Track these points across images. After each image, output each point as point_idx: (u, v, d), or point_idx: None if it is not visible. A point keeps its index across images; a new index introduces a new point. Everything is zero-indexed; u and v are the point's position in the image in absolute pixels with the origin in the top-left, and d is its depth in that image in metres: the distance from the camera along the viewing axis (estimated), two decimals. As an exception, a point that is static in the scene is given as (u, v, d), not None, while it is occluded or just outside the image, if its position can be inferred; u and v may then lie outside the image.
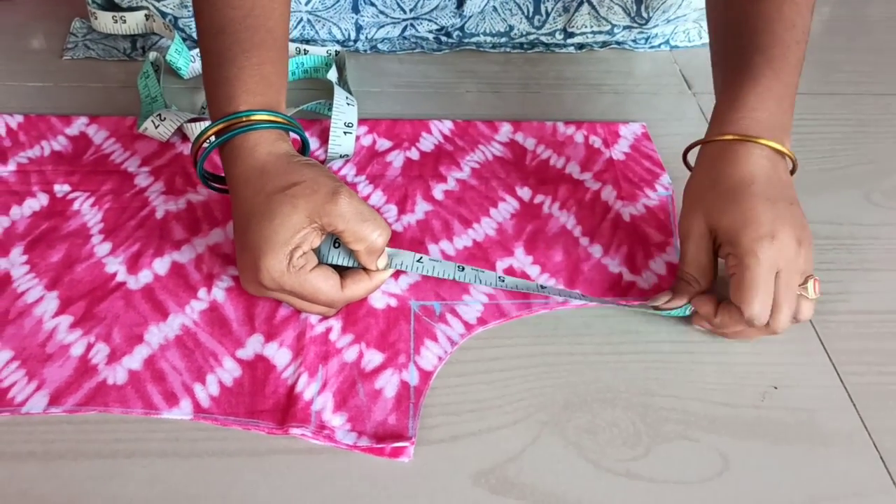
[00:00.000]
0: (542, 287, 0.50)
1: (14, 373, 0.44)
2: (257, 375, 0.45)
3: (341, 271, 0.47)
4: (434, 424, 0.44)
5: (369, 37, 0.71)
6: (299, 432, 0.43)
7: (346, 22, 0.69)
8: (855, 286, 0.54)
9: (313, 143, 0.61)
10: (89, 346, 0.46)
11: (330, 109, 0.61)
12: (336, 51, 0.70)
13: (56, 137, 0.60)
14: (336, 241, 0.47)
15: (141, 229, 0.53)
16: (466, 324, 0.49)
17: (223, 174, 0.49)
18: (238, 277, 0.49)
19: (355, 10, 0.68)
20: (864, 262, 0.56)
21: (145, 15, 0.68)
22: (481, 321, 0.49)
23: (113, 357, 0.46)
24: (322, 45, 0.70)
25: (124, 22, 0.69)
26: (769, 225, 0.44)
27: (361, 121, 0.63)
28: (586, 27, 0.72)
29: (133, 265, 0.51)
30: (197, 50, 0.66)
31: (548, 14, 0.71)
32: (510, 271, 0.53)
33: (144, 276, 0.50)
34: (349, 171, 0.59)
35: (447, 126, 0.64)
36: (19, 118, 0.61)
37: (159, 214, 0.54)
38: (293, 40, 0.70)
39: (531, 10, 0.71)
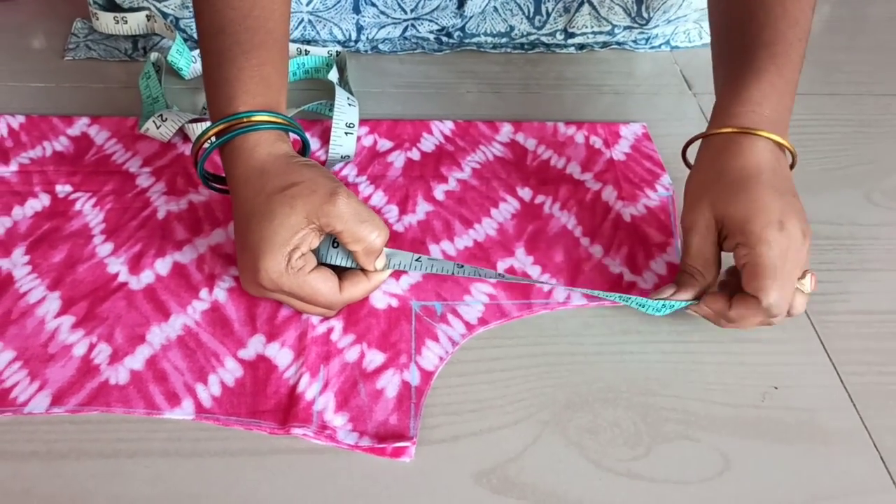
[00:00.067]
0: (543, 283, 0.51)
1: (16, 373, 0.44)
2: (259, 375, 0.45)
3: (339, 273, 0.47)
4: (435, 424, 0.44)
5: (370, 37, 0.71)
6: (301, 432, 0.43)
7: (346, 22, 0.69)
8: (855, 286, 0.54)
9: (314, 144, 0.61)
10: (91, 347, 0.46)
11: (331, 110, 0.61)
12: (337, 51, 0.70)
13: (58, 138, 0.60)
14: (335, 241, 0.47)
15: (143, 230, 0.53)
16: (467, 324, 0.49)
17: (224, 174, 0.49)
18: (239, 277, 0.49)
19: (356, 10, 0.68)
20: (864, 262, 0.56)
21: (146, 16, 0.68)
22: (482, 321, 0.49)
23: (115, 357, 0.46)
24: (323, 46, 0.71)
25: (125, 22, 0.69)
26: (778, 214, 0.45)
27: (362, 121, 0.63)
28: (587, 28, 0.72)
29: (135, 265, 0.51)
30: (198, 50, 0.67)
31: (548, 14, 0.71)
32: (511, 272, 0.53)
33: (146, 277, 0.50)
34: (350, 172, 0.59)
35: (448, 126, 0.64)
36: (21, 118, 0.61)
37: (161, 215, 0.54)
38: (294, 41, 0.70)
39: (532, 10, 0.71)
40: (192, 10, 0.65)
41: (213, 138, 0.47)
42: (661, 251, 0.55)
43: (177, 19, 0.67)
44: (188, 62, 0.67)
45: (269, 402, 0.44)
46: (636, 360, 0.48)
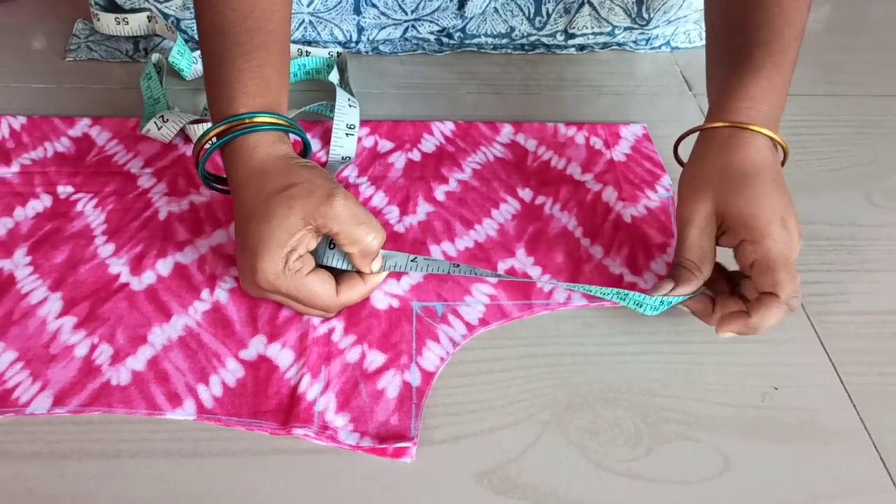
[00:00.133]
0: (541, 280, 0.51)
1: (18, 373, 0.45)
2: (260, 376, 0.46)
3: (337, 275, 0.47)
4: (436, 425, 0.44)
5: (371, 38, 0.71)
6: (302, 433, 0.43)
7: (347, 23, 0.69)
8: (855, 287, 0.54)
9: (315, 145, 0.61)
10: (93, 347, 0.46)
11: (332, 111, 0.61)
12: (338, 52, 0.70)
13: (59, 139, 0.60)
14: (331, 242, 0.47)
15: (144, 230, 0.53)
16: (468, 324, 0.49)
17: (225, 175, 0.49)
18: (239, 278, 0.49)
19: (357, 11, 0.69)
20: (864, 262, 0.56)
21: (148, 17, 0.68)
22: (483, 322, 0.49)
23: (116, 358, 0.46)
24: (324, 47, 0.71)
25: (127, 23, 0.69)
26: (781, 210, 0.45)
27: (363, 122, 0.64)
28: (587, 28, 0.72)
29: (136, 266, 0.51)
30: (199, 52, 0.67)
31: (549, 15, 0.71)
32: (511, 272, 0.53)
33: (147, 278, 0.50)
34: (351, 173, 0.59)
35: (448, 127, 0.64)
36: (22, 119, 0.61)
37: (162, 216, 0.54)
38: (295, 41, 0.70)
39: (532, 11, 0.71)
40: (193, 10, 0.66)
41: (214, 139, 0.47)
42: (662, 252, 0.55)
43: (178, 20, 0.68)
44: (189, 63, 0.67)
45: (270, 403, 0.44)
46: (636, 361, 0.48)
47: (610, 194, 0.59)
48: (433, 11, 0.69)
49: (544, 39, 0.73)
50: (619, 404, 0.46)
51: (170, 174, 0.58)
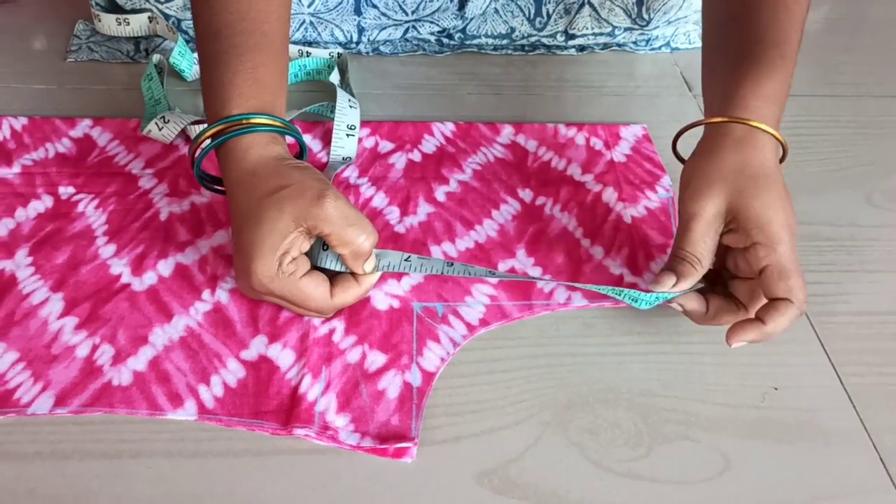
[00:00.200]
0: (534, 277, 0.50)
1: (20, 374, 0.45)
2: (261, 376, 0.46)
3: (331, 277, 0.47)
4: (437, 425, 0.44)
5: (371, 39, 0.71)
6: (303, 433, 0.43)
7: (348, 24, 0.69)
8: (854, 287, 0.54)
9: (316, 146, 0.62)
10: (94, 348, 0.46)
11: (332, 112, 0.62)
12: (338, 53, 0.70)
13: (60, 139, 0.60)
14: (325, 244, 0.47)
15: (145, 231, 0.53)
16: (468, 325, 0.49)
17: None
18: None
19: (357, 12, 0.69)
20: (863, 263, 0.56)
21: (149, 17, 0.68)
22: (483, 322, 0.50)
23: (118, 358, 0.46)
24: (324, 47, 0.71)
25: (128, 24, 0.69)
26: (791, 216, 0.45)
27: (364, 122, 0.64)
28: (587, 29, 0.72)
29: (137, 267, 0.51)
30: (200, 52, 0.67)
31: (549, 16, 0.72)
32: (512, 273, 0.53)
33: (149, 278, 0.50)
34: (352, 174, 0.59)
35: (449, 128, 0.64)
36: (23, 120, 0.61)
37: (163, 216, 0.55)
38: (295, 42, 0.70)
39: (532, 12, 0.71)
40: (193, 12, 0.66)
41: (209, 140, 0.47)
42: (662, 252, 0.55)
43: (179, 21, 0.68)
44: (190, 64, 0.67)
45: (271, 403, 0.44)
46: (637, 361, 0.48)
47: (610, 195, 0.59)
48: (433, 12, 0.69)
49: (544, 40, 0.73)
50: (619, 404, 0.46)
51: (171, 175, 0.58)
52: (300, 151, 0.51)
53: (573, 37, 0.73)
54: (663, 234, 0.56)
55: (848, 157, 0.65)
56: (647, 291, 0.52)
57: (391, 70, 0.71)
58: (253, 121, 0.46)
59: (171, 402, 0.44)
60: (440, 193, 0.58)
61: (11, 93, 0.65)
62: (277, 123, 0.47)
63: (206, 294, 0.50)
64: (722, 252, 0.47)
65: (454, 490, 0.42)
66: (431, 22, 0.70)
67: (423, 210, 0.57)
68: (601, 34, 0.73)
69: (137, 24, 0.69)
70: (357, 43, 0.71)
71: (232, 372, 0.46)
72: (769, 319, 0.44)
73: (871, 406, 0.47)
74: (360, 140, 0.62)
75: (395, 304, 0.50)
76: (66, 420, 0.43)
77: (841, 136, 0.68)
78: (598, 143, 0.64)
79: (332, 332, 0.48)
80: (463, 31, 0.71)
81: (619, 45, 0.75)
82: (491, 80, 0.71)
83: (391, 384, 0.46)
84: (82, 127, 0.61)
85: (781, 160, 0.49)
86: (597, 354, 0.49)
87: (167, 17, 0.68)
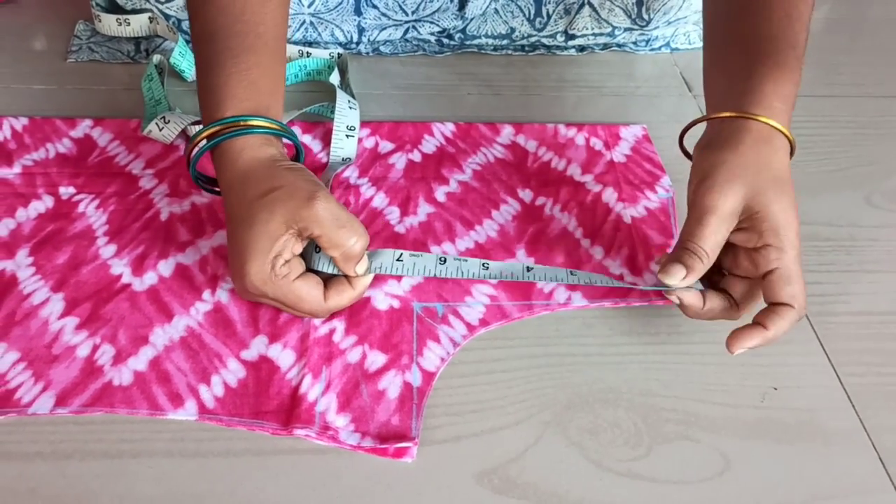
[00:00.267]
0: (528, 269, 0.49)
1: (21, 374, 0.45)
2: (261, 377, 0.46)
3: (325, 280, 0.47)
4: (437, 425, 0.44)
5: (371, 39, 0.71)
6: (303, 433, 0.43)
7: (348, 24, 0.70)
8: (854, 287, 0.54)
9: (316, 146, 0.62)
10: (95, 348, 0.46)
11: (332, 112, 0.62)
12: (338, 53, 0.71)
13: (61, 140, 0.60)
14: (318, 246, 0.47)
15: (146, 231, 0.53)
16: (468, 325, 0.49)
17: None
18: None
19: (357, 12, 0.69)
20: (863, 263, 0.56)
21: (149, 18, 0.69)
22: (483, 322, 0.50)
23: (118, 358, 0.46)
24: (324, 48, 0.71)
25: (128, 24, 0.69)
26: (799, 221, 0.45)
27: (364, 123, 0.64)
28: (587, 29, 0.72)
29: (138, 267, 0.51)
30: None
31: (549, 16, 0.72)
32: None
33: (149, 278, 0.50)
34: (352, 174, 0.59)
35: (449, 128, 0.64)
36: (24, 120, 0.61)
37: (164, 216, 0.55)
38: (296, 42, 0.70)
39: (532, 12, 0.71)
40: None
41: (205, 141, 0.47)
42: (661, 253, 0.55)
43: (179, 21, 0.68)
44: (190, 64, 0.67)
45: (271, 403, 0.44)
46: (636, 361, 0.49)
47: (610, 195, 0.59)
48: (434, 12, 0.69)
49: (544, 40, 0.73)
50: (619, 404, 0.46)
51: (171, 175, 0.58)
52: (297, 153, 0.51)
53: (573, 37, 0.73)
54: (663, 235, 0.56)
55: (847, 157, 0.66)
56: (646, 296, 0.52)
57: (391, 70, 0.71)
58: (246, 123, 0.46)
59: (171, 402, 0.44)
60: (440, 194, 0.58)
61: (12, 93, 0.65)
62: (271, 125, 0.47)
63: (206, 294, 0.50)
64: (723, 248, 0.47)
65: (454, 490, 0.42)
66: (431, 22, 0.70)
67: (424, 210, 0.57)
68: (601, 34, 0.73)
69: (138, 25, 0.69)
70: (357, 43, 0.71)
71: (232, 372, 0.46)
72: (771, 324, 0.44)
73: (870, 406, 0.47)
74: (360, 140, 0.62)
75: (396, 304, 0.50)
76: (66, 420, 0.43)
77: (841, 137, 0.68)
78: (597, 144, 0.64)
79: (332, 332, 0.48)
80: (463, 31, 0.72)
81: (618, 45, 0.76)
82: (491, 80, 0.71)
83: (391, 384, 0.46)
84: (83, 127, 0.61)
85: None
86: (597, 354, 0.49)
87: (167, 17, 0.68)
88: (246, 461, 0.42)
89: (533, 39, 0.73)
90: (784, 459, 0.44)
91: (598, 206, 0.58)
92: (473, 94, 0.69)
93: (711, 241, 0.45)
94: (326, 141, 0.62)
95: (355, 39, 0.71)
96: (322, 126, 0.63)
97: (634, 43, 0.76)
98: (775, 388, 0.48)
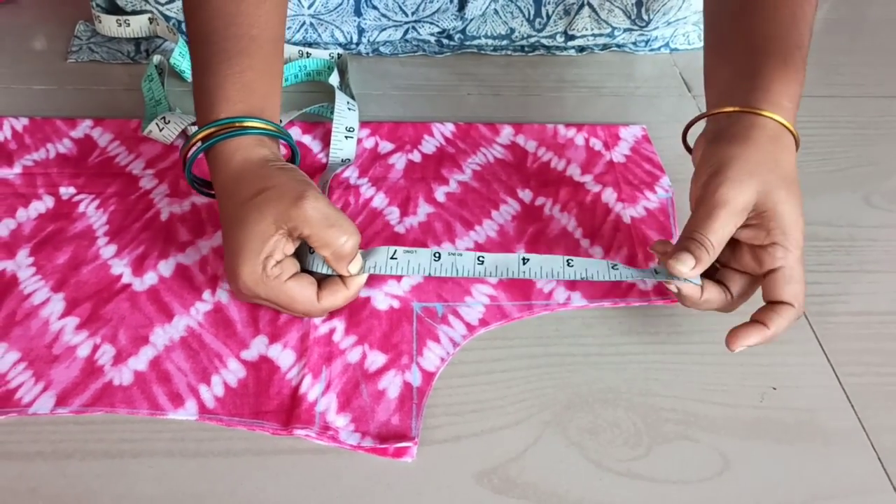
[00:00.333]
0: (524, 261, 0.49)
1: (21, 374, 0.45)
2: (262, 376, 0.46)
3: (320, 280, 0.47)
4: (437, 425, 0.45)
5: (371, 40, 0.71)
6: (303, 433, 0.43)
7: (348, 25, 0.70)
8: (853, 287, 0.54)
9: (316, 146, 0.62)
10: (95, 348, 0.46)
11: (332, 112, 0.62)
12: (338, 54, 0.71)
13: (61, 140, 0.60)
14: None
15: (146, 231, 0.53)
16: (468, 325, 0.50)
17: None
18: None
19: (357, 13, 0.69)
20: (862, 263, 0.56)
21: (149, 18, 0.69)
22: (483, 322, 0.50)
23: (119, 358, 0.46)
24: (324, 48, 0.71)
25: (128, 25, 0.69)
26: (804, 220, 0.45)
27: (364, 123, 0.64)
28: (587, 30, 0.72)
29: (138, 267, 0.51)
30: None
31: (548, 17, 0.72)
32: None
33: (149, 278, 0.51)
34: (352, 174, 0.59)
35: (449, 128, 0.65)
36: (24, 121, 0.61)
37: (164, 216, 0.55)
38: (295, 43, 0.70)
39: (532, 13, 0.71)
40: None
41: (200, 143, 0.47)
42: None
43: (179, 23, 0.68)
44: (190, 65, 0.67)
45: (271, 403, 0.45)
46: (636, 361, 0.49)
47: (609, 195, 0.59)
48: (433, 13, 0.69)
49: (544, 41, 0.73)
50: (618, 404, 0.46)
51: (171, 175, 0.58)
52: (293, 155, 0.51)
53: (573, 38, 0.73)
54: (662, 235, 0.56)
55: (847, 157, 0.66)
56: (645, 296, 0.52)
57: (391, 71, 0.71)
58: (239, 124, 0.46)
59: (171, 402, 0.44)
60: (440, 194, 0.58)
61: (12, 93, 0.65)
62: (264, 126, 0.47)
63: (206, 294, 0.50)
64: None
65: (454, 489, 0.42)
66: (431, 23, 0.70)
67: (423, 210, 0.57)
68: (600, 35, 0.73)
69: (138, 26, 0.69)
70: (357, 44, 0.72)
71: (232, 372, 0.46)
72: (771, 323, 0.44)
73: (869, 406, 0.47)
74: (360, 141, 0.62)
75: (395, 304, 0.50)
76: (67, 420, 0.43)
77: (840, 137, 0.68)
78: (597, 144, 0.64)
79: (332, 331, 0.48)
80: (463, 31, 0.72)
81: (618, 45, 0.76)
82: (490, 80, 0.71)
83: (391, 384, 0.46)
84: (83, 127, 0.61)
85: None
86: (596, 354, 0.49)
87: (168, 18, 0.68)
88: (246, 461, 0.42)
89: (532, 40, 0.73)
90: (783, 459, 0.44)
91: (598, 207, 0.58)
92: (473, 95, 0.70)
93: (720, 234, 0.44)
94: (326, 141, 0.62)
95: (355, 40, 0.71)
96: (322, 126, 0.63)
97: (634, 43, 0.76)
98: (774, 388, 0.48)
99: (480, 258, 0.49)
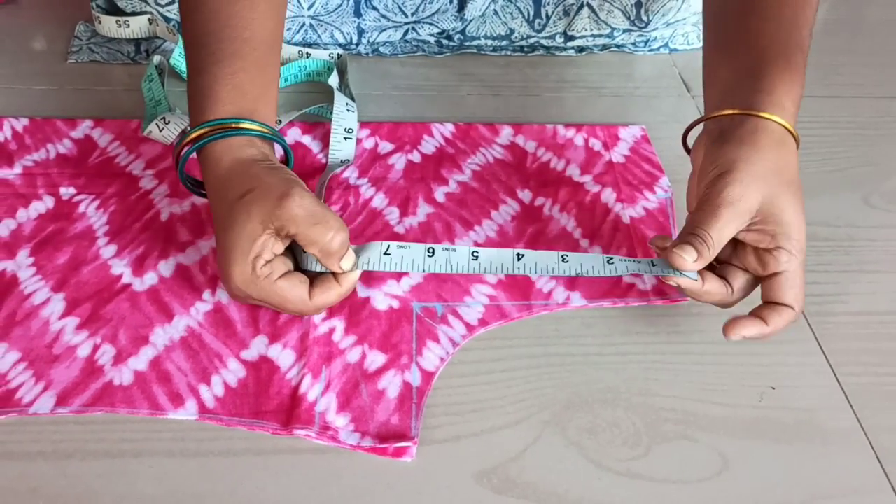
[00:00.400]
0: (519, 256, 0.48)
1: (21, 374, 0.45)
2: (261, 376, 0.46)
3: (313, 278, 0.46)
4: (436, 424, 0.45)
5: (371, 40, 0.71)
6: (303, 433, 0.43)
7: (348, 26, 0.70)
8: (852, 287, 0.54)
9: (316, 147, 0.62)
10: (95, 348, 0.46)
11: (332, 113, 0.62)
12: (338, 54, 0.71)
13: (61, 140, 0.60)
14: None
15: (146, 232, 0.54)
16: (468, 325, 0.50)
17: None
18: None
19: (357, 14, 0.69)
20: (861, 263, 0.56)
21: (148, 19, 0.69)
22: (482, 322, 0.50)
23: (119, 358, 0.46)
24: (324, 49, 0.71)
25: (128, 26, 0.69)
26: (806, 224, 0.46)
27: (364, 123, 0.64)
28: (586, 30, 0.73)
29: (138, 267, 0.51)
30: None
31: (548, 17, 0.72)
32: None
33: (150, 278, 0.51)
34: (352, 174, 0.59)
35: (448, 129, 0.65)
36: (25, 121, 0.61)
37: (164, 217, 0.55)
38: (295, 44, 0.70)
39: (532, 13, 0.71)
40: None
41: (188, 147, 0.47)
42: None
43: (179, 24, 0.68)
44: (190, 65, 0.67)
45: (271, 403, 0.45)
46: (635, 361, 0.49)
47: (609, 195, 0.59)
48: (433, 14, 0.70)
49: (543, 41, 0.73)
50: (618, 404, 0.46)
51: (171, 176, 0.58)
52: (286, 157, 0.51)
53: (572, 38, 0.73)
54: (662, 235, 0.56)
55: (846, 158, 0.66)
56: (645, 296, 0.52)
57: (391, 71, 0.72)
58: (229, 125, 0.46)
59: (171, 402, 0.44)
60: (440, 194, 0.58)
61: (12, 94, 0.65)
62: (255, 127, 0.47)
63: (206, 294, 0.50)
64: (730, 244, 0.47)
65: (454, 489, 0.42)
66: (431, 24, 0.70)
67: (423, 211, 0.57)
68: (600, 35, 0.73)
69: (137, 26, 0.69)
70: (357, 45, 0.72)
71: (232, 372, 0.46)
72: (770, 321, 0.45)
73: (868, 406, 0.47)
74: (359, 141, 0.62)
75: (395, 304, 0.50)
76: (67, 420, 0.43)
77: (839, 137, 0.68)
78: (596, 144, 0.64)
79: (331, 331, 0.48)
80: (462, 32, 0.72)
81: (617, 46, 0.76)
82: (490, 81, 0.71)
83: (391, 384, 0.46)
84: (83, 128, 0.61)
85: None
86: (595, 354, 0.49)
87: (168, 20, 0.68)
88: (246, 461, 0.42)
89: (532, 40, 0.73)
90: (782, 459, 0.44)
91: (597, 207, 0.58)
92: (473, 95, 0.70)
93: (722, 232, 0.44)
94: (326, 142, 0.62)
95: (355, 41, 0.71)
96: (321, 127, 0.63)
97: (633, 44, 0.76)
98: (773, 388, 0.48)
99: (475, 254, 0.48)
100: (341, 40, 0.71)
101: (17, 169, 0.57)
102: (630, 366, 0.48)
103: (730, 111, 0.47)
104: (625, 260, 0.48)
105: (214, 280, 0.51)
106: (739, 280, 0.47)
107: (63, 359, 0.46)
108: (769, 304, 0.45)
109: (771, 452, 0.44)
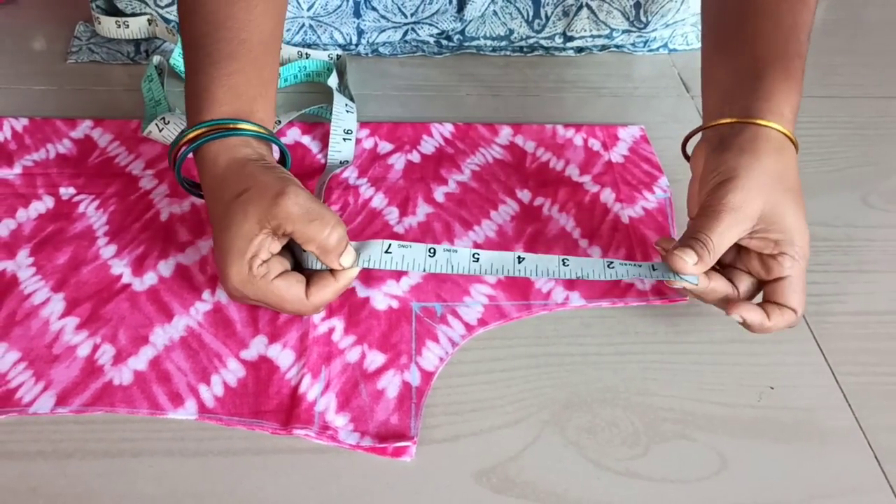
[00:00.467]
0: (520, 259, 0.48)
1: (21, 373, 0.45)
2: (261, 376, 0.46)
3: (309, 276, 0.46)
4: (436, 424, 0.45)
5: (371, 41, 0.71)
6: (303, 433, 0.43)
7: (347, 26, 0.70)
8: (851, 287, 0.54)
9: (315, 147, 0.62)
10: (95, 347, 0.47)
11: (331, 114, 0.62)
12: (338, 55, 0.71)
13: (61, 140, 0.60)
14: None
15: (146, 232, 0.54)
16: (467, 325, 0.50)
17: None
18: None
19: (357, 14, 0.69)
20: (860, 263, 0.56)
21: (148, 20, 0.69)
22: (482, 322, 0.50)
23: (119, 358, 0.46)
24: (324, 50, 0.71)
25: (127, 27, 0.69)
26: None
27: (363, 123, 0.64)
28: (585, 31, 0.73)
29: (138, 267, 0.51)
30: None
31: (547, 18, 0.72)
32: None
33: (149, 278, 0.51)
34: (351, 174, 0.60)
35: (448, 129, 0.65)
36: (24, 121, 0.62)
37: (164, 217, 0.55)
38: (295, 45, 0.70)
39: (531, 14, 0.72)
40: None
41: (184, 147, 0.47)
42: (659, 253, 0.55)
43: (178, 24, 0.68)
44: (190, 65, 0.67)
45: (271, 403, 0.45)
46: (634, 361, 0.49)
47: (608, 195, 0.59)
48: (432, 14, 0.70)
49: (543, 42, 0.74)
50: (617, 404, 0.46)
51: (171, 176, 0.58)
52: (283, 157, 0.51)
53: (571, 38, 0.73)
54: (660, 234, 0.56)
55: (845, 158, 0.66)
56: (643, 296, 0.52)
57: (390, 71, 0.72)
58: (225, 126, 0.46)
59: (171, 402, 0.44)
60: (439, 194, 0.59)
61: (12, 94, 0.65)
62: (250, 128, 0.47)
63: (206, 294, 0.50)
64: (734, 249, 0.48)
65: (453, 489, 0.42)
66: (430, 24, 0.70)
67: (423, 211, 0.57)
68: (599, 36, 0.73)
69: (137, 27, 0.69)
70: (356, 45, 0.72)
71: (232, 371, 0.46)
72: (772, 316, 0.46)
73: (866, 405, 0.47)
74: (359, 141, 0.62)
75: (394, 304, 0.50)
76: (67, 419, 0.43)
77: (838, 138, 0.68)
78: (596, 144, 0.64)
79: (331, 331, 0.48)
80: (462, 32, 0.72)
81: (617, 46, 0.76)
82: (489, 81, 0.71)
83: (390, 384, 0.46)
84: (83, 128, 0.62)
85: None
86: (594, 354, 0.49)
87: (167, 21, 0.68)
88: (246, 460, 0.42)
89: (531, 41, 0.73)
90: (781, 459, 0.44)
91: (596, 207, 0.59)
92: (472, 95, 0.70)
93: (723, 238, 0.45)
94: (325, 142, 0.62)
95: (354, 41, 0.71)
96: (321, 127, 0.63)
97: (632, 44, 0.76)
98: (772, 388, 0.48)
99: (476, 255, 0.48)
100: (341, 41, 0.71)
101: (17, 169, 0.57)
102: (629, 365, 0.48)
103: (728, 120, 0.48)
104: (625, 264, 0.48)
105: (214, 280, 0.51)
106: (744, 283, 0.47)
107: (63, 358, 0.46)
108: (773, 303, 0.46)
109: (769, 452, 0.44)
